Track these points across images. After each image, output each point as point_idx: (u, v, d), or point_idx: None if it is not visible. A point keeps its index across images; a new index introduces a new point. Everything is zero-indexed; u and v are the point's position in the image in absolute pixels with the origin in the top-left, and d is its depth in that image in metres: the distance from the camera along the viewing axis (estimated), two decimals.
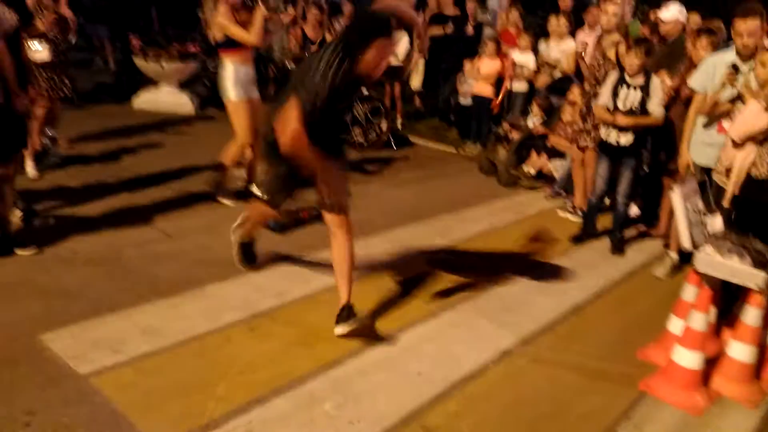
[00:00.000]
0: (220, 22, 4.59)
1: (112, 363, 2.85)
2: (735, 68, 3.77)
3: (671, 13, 5.31)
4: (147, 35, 7.89)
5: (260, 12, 4.70)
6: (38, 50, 5.07)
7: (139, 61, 7.62)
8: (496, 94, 7.19)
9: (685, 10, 5.34)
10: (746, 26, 3.74)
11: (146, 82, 8.00)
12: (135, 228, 4.33)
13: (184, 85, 8.13)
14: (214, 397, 2.70)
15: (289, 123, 2.87)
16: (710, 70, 4.05)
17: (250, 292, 3.60)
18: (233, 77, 4.68)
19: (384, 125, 7.09)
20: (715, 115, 3.99)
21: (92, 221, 4.36)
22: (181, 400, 2.66)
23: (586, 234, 4.88)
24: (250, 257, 3.81)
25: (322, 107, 2.89)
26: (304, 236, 4.48)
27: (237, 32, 4.61)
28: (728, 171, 3.74)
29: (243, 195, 5.01)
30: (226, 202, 4.91)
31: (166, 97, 7.86)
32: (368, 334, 3.19)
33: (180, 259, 3.93)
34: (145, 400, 2.64)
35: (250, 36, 4.63)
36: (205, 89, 8.31)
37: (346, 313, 3.16)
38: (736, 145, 3.61)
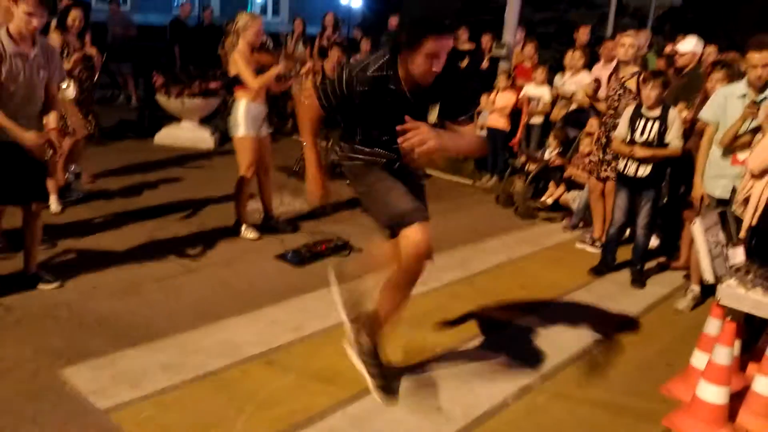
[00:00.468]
0: (235, 59, 4.68)
1: (131, 398, 2.86)
2: (755, 102, 3.77)
3: (689, 45, 5.35)
4: (169, 73, 8.07)
5: (276, 69, 4.78)
6: (64, 88, 5.21)
7: (161, 98, 7.79)
8: (512, 127, 7.23)
9: (702, 43, 5.37)
10: (761, 58, 3.76)
11: (168, 118, 8.17)
12: (155, 262, 4.38)
13: (205, 120, 8.28)
14: None
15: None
16: (721, 101, 4.06)
17: (268, 327, 3.61)
18: (244, 113, 4.74)
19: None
20: (733, 148, 3.98)
21: (113, 255, 4.42)
22: None
23: (605, 266, 4.84)
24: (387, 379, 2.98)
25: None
26: (321, 269, 4.48)
27: (244, 72, 4.65)
28: (746, 201, 3.71)
29: (264, 228, 5.09)
30: (248, 235, 4.95)
31: (186, 133, 8.00)
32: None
33: (199, 294, 3.96)
34: None
35: (255, 81, 4.66)
36: (226, 125, 8.45)
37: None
38: (754, 176, 3.58)
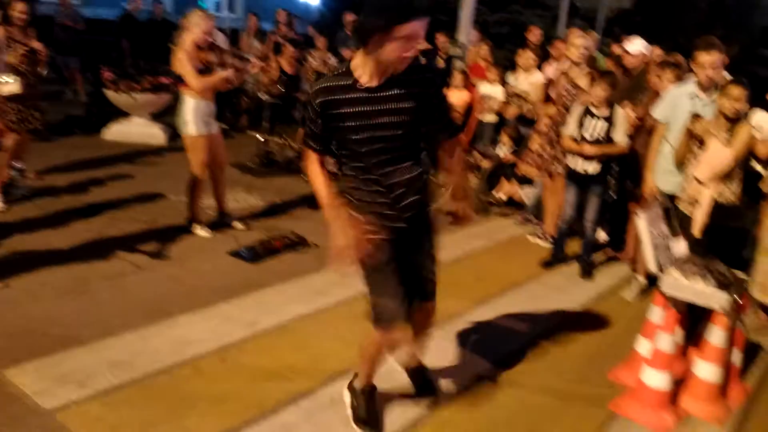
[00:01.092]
0: (179, 57, 4.57)
1: (79, 397, 2.79)
2: (695, 115, 3.90)
3: (638, 47, 5.51)
4: (118, 67, 7.88)
5: (223, 74, 4.71)
6: (8, 83, 5.04)
7: (110, 93, 7.60)
8: (464, 124, 7.31)
9: (642, 43, 5.54)
10: (710, 59, 3.90)
11: (117, 114, 7.97)
12: (104, 260, 4.27)
13: (156, 116, 8.12)
14: (183, 430, 2.66)
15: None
16: (671, 101, 4.20)
17: (221, 323, 3.57)
18: (192, 112, 4.64)
19: None
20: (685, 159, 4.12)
21: (61, 254, 4.30)
22: None
23: (555, 259, 4.96)
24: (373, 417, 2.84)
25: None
26: (276, 265, 4.46)
27: (186, 72, 4.56)
28: (694, 201, 3.86)
29: (217, 225, 5.03)
30: (201, 233, 4.89)
31: (137, 129, 7.83)
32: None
33: (149, 291, 3.89)
34: None
35: (196, 82, 4.56)
36: (180, 125, 8.30)
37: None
38: (704, 185, 3.74)
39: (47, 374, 2.94)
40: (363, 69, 2.33)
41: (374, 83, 2.34)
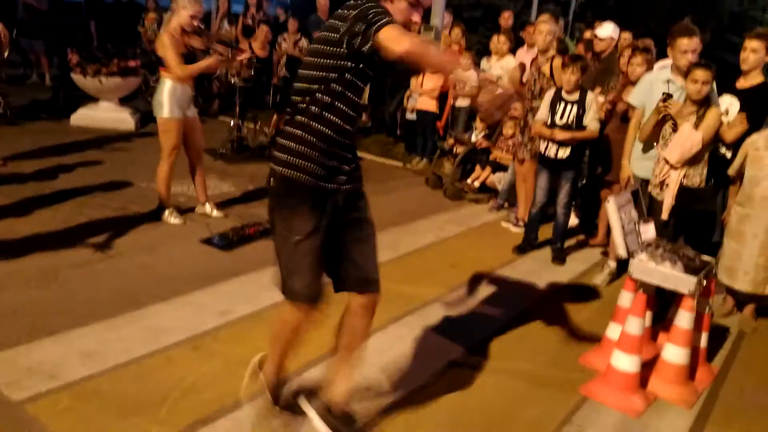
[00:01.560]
0: (163, 40, 4.50)
1: (49, 389, 2.74)
2: (667, 95, 3.95)
3: (607, 31, 5.55)
4: (85, 50, 7.69)
5: (203, 63, 4.63)
6: None
7: (77, 77, 7.41)
8: (441, 110, 7.32)
9: (612, 28, 5.58)
10: (691, 44, 3.95)
11: (84, 98, 7.79)
12: (73, 248, 4.19)
13: (125, 101, 7.96)
14: (156, 420, 2.63)
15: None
16: (647, 86, 4.25)
17: (193, 312, 3.54)
18: (169, 94, 4.57)
19: None
20: (650, 138, 4.18)
21: (28, 242, 4.20)
22: (120, 424, 2.58)
23: (528, 244, 5.01)
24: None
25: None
26: (249, 253, 4.43)
27: (170, 58, 4.49)
28: (662, 184, 3.93)
29: (188, 212, 4.97)
30: (171, 220, 4.82)
31: (105, 114, 7.67)
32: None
33: (120, 280, 3.83)
34: (83, 425, 2.55)
35: (180, 70, 4.51)
36: (147, 105, 8.15)
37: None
38: (674, 166, 3.80)
39: (16, 365, 2.88)
40: None
41: None
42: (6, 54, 5.49)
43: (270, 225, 2.41)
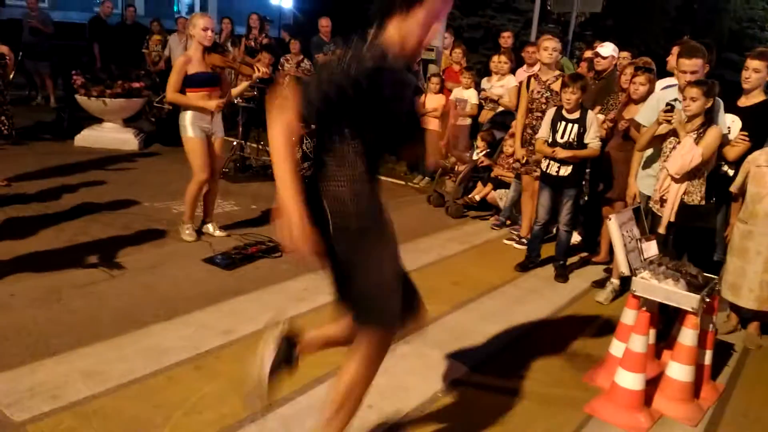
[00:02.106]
0: (178, 61, 4.66)
1: (51, 409, 2.74)
2: (670, 106, 3.98)
3: (609, 50, 5.61)
4: (90, 72, 7.77)
5: (200, 102, 4.68)
6: None
7: (81, 98, 7.48)
8: (442, 128, 7.34)
9: (612, 47, 5.63)
10: (691, 64, 3.99)
11: (89, 119, 7.86)
12: (76, 268, 4.20)
13: (129, 121, 8.02)
14: None
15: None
16: (654, 105, 4.28)
17: (196, 332, 3.53)
18: (190, 116, 4.69)
19: None
20: (649, 148, 4.19)
21: (31, 262, 4.21)
22: None
23: (530, 262, 5.01)
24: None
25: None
26: (251, 272, 4.43)
27: (170, 80, 4.64)
28: (662, 200, 3.94)
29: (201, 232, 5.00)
30: (186, 236, 4.89)
31: (109, 134, 7.73)
32: None
33: (123, 300, 3.83)
34: None
35: (170, 94, 4.65)
36: (150, 125, 8.22)
37: None
38: (675, 179, 3.81)
39: (18, 386, 2.88)
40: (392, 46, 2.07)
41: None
42: (11, 76, 5.54)
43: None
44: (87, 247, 4.57)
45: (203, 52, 4.64)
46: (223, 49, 4.81)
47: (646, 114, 4.33)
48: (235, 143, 7.25)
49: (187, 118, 4.70)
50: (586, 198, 5.40)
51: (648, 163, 4.29)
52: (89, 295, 3.85)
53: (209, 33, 4.63)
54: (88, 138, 7.70)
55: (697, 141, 3.80)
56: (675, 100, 4.11)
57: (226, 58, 4.83)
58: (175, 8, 19.12)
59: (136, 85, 7.59)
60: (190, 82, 4.64)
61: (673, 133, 3.93)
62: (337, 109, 2.01)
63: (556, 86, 5.15)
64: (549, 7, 11.23)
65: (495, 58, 7.00)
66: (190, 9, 19.35)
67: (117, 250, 4.57)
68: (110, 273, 4.19)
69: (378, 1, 2.10)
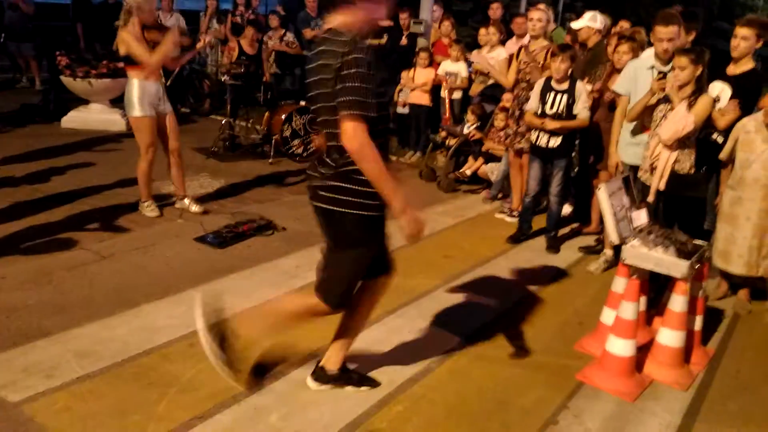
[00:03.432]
0: (123, 37, 4.52)
1: (45, 389, 2.75)
2: (662, 74, 3.96)
3: (582, 22, 5.53)
4: (74, 52, 7.65)
5: (171, 36, 4.63)
6: None
7: (66, 80, 7.38)
8: (432, 102, 7.31)
9: (599, 18, 5.54)
10: (667, 32, 3.96)
11: (75, 100, 7.76)
12: (67, 250, 4.19)
13: (115, 102, 7.92)
14: (154, 417, 2.64)
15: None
16: (631, 74, 4.26)
17: (188, 310, 3.47)
18: (139, 93, 4.60)
19: None
20: (641, 119, 4.18)
21: (22, 245, 4.19)
22: (118, 422, 2.59)
23: (522, 234, 5.02)
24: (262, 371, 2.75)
25: None
26: (243, 250, 4.43)
27: (138, 50, 4.52)
28: (652, 168, 3.93)
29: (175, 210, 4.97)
30: (148, 212, 4.90)
31: (96, 115, 7.64)
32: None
33: (114, 280, 3.82)
34: (81, 425, 2.56)
35: (150, 57, 4.54)
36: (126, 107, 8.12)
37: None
38: (666, 146, 3.80)
39: (12, 367, 2.88)
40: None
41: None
42: None
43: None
44: (77, 228, 4.54)
45: (142, 29, 4.58)
46: (159, 26, 4.74)
47: (623, 83, 4.32)
48: (223, 122, 7.19)
49: (135, 93, 4.60)
50: (576, 169, 5.40)
51: (631, 131, 4.28)
52: (80, 276, 3.84)
53: (154, 15, 4.70)
54: (74, 119, 7.61)
55: (688, 109, 3.79)
56: (652, 67, 4.10)
57: (163, 33, 4.74)
58: None
59: (121, 64, 7.47)
60: (131, 59, 4.57)
61: (662, 101, 3.92)
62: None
63: (540, 57, 5.11)
64: None
65: (483, 31, 6.94)
66: None
67: (107, 230, 4.55)
68: (101, 254, 4.17)
69: None
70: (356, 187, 2.40)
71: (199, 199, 5.21)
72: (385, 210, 2.47)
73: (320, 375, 2.89)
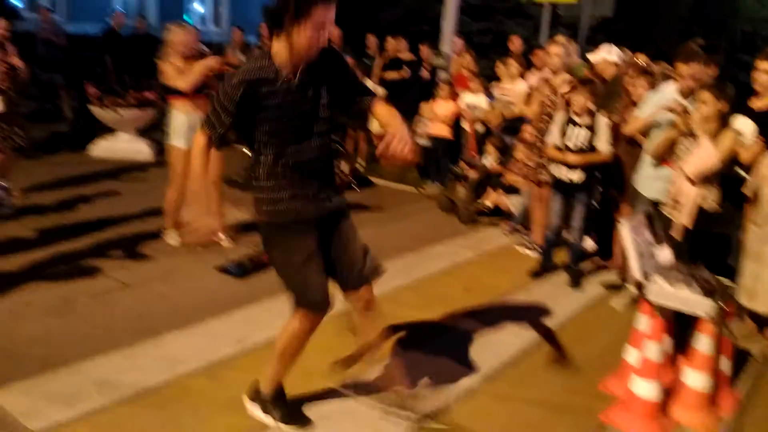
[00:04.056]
0: (163, 68, 4.67)
1: (66, 418, 2.76)
2: (683, 107, 3.95)
3: (599, 56, 5.56)
4: (103, 83, 7.86)
5: (205, 62, 4.71)
6: None
7: (95, 109, 7.56)
8: (454, 135, 7.35)
9: (616, 51, 5.57)
10: (689, 69, 3.96)
11: (103, 130, 7.93)
12: (91, 278, 4.24)
13: (142, 132, 8.09)
14: None
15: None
16: (654, 105, 4.24)
17: (209, 340, 3.54)
18: (178, 124, 4.72)
19: (345, 167, 7.16)
20: (663, 154, 4.16)
21: (47, 272, 4.26)
22: None
23: (544, 269, 4.97)
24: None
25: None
26: (263, 280, 4.44)
27: (171, 78, 4.64)
28: (676, 203, 3.89)
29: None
30: (170, 240, 4.97)
31: (123, 145, 7.80)
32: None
33: (136, 308, 3.86)
34: None
35: (183, 82, 4.63)
36: (164, 135, 8.27)
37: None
38: (691, 181, 3.77)
39: (33, 395, 2.90)
40: (281, 57, 2.45)
41: (291, 72, 2.47)
42: (25, 89, 5.63)
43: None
44: (101, 256, 4.61)
45: (183, 59, 4.68)
46: (202, 55, 4.84)
47: (646, 109, 4.32)
48: (245, 151, 7.27)
49: (175, 125, 4.71)
50: (596, 204, 5.35)
51: (652, 166, 4.25)
52: (103, 304, 3.89)
53: (192, 46, 4.73)
54: (102, 148, 7.78)
55: (712, 144, 3.76)
56: (684, 107, 4.08)
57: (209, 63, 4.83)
58: (187, 17, 19.29)
59: (149, 95, 7.66)
60: (173, 90, 4.68)
61: (686, 136, 3.89)
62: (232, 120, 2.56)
63: (563, 90, 5.12)
64: (558, 12, 11.20)
65: (499, 64, 6.99)
66: (202, 19, 19.52)
67: (131, 258, 4.61)
68: (124, 282, 4.22)
69: (266, 16, 2.57)
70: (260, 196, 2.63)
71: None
72: (301, 218, 2.61)
73: (253, 394, 2.89)
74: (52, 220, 5.32)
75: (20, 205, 5.56)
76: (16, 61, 5.45)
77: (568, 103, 4.88)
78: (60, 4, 15.76)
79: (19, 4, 14.70)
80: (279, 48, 2.45)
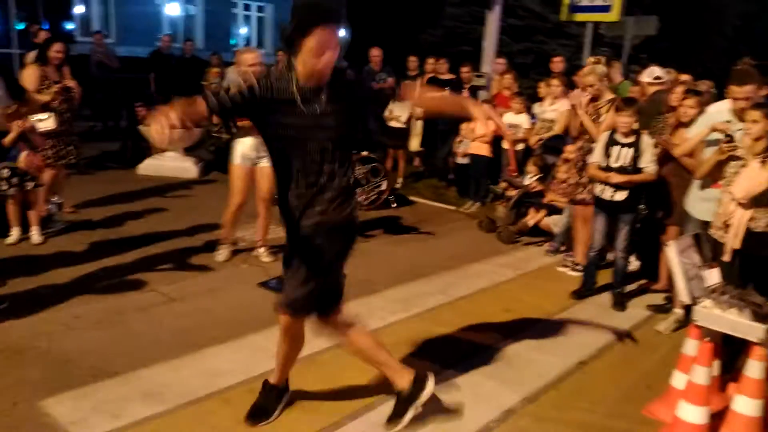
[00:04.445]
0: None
1: (112, 428, 2.83)
2: (729, 137, 3.88)
3: (645, 77, 5.49)
4: (152, 104, 8.11)
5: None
6: (43, 120, 5.22)
7: (144, 129, 7.81)
8: (493, 153, 7.34)
9: (658, 71, 5.52)
10: (742, 91, 3.90)
11: (152, 148, 8.18)
12: (138, 292, 4.36)
13: (189, 150, 8.30)
14: None
15: None
16: (707, 123, 4.18)
17: (250, 354, 3.59)
18: (240, 144, 4.87)
19: (384, 185, 7.21)
20: (712, 175, 4.07)
21: (96, 285, 4.40)
22: None
23: (586, 289, 4.89)
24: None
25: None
26: None
27: None
28: (726, 225, 3.80)
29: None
30: (219, 256, 5.08)
31: (170, 163, 8.02)
32: None
33: (181, 322, 3.94)
34: None
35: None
36: (209, 154, 8.49)
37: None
38: (740, 203, 3.68)
39: (82, 405, 2.99)
40: (292, 75, 2.54)
41: (301, 90, 2.53)
42: (77, 108, 5.85)
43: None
44: (148, 270, 4.74)
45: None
46: None
47: (695, 130, 4.25)
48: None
49: (237, 144, 4.92)
50: (640, 224, 5.25)
51: (702, 186, 4.16)
52: (150, 317, 3.99)
53: (257, 68, 4.77)
54: (150, 166, 8.02)
55: (762, 165, 3.66)
56: (729, 121, 4.01)
57: None
58: (233, 41, 19.81)
59: None
60: None
61: (734, 157, 3.81)
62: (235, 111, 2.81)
63: (604, 110, 5.08)
64: (601, 31, 11.10)
65: (542, 85, 6.97)
66: (247, 42, 20.01)
67: (176, 274, 4.72)
68: (170, 296, 4.32)
69: (282, 34, 2.56)
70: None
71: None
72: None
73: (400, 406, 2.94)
74: (101, 235, 5.49)
75: (71, 220, 5.76)
76: (71, 82, 5.69)
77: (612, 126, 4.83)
78: (112, 28, 16.40)
79: (74, 28, 15.35)
80: (290, 67, 2.55)
